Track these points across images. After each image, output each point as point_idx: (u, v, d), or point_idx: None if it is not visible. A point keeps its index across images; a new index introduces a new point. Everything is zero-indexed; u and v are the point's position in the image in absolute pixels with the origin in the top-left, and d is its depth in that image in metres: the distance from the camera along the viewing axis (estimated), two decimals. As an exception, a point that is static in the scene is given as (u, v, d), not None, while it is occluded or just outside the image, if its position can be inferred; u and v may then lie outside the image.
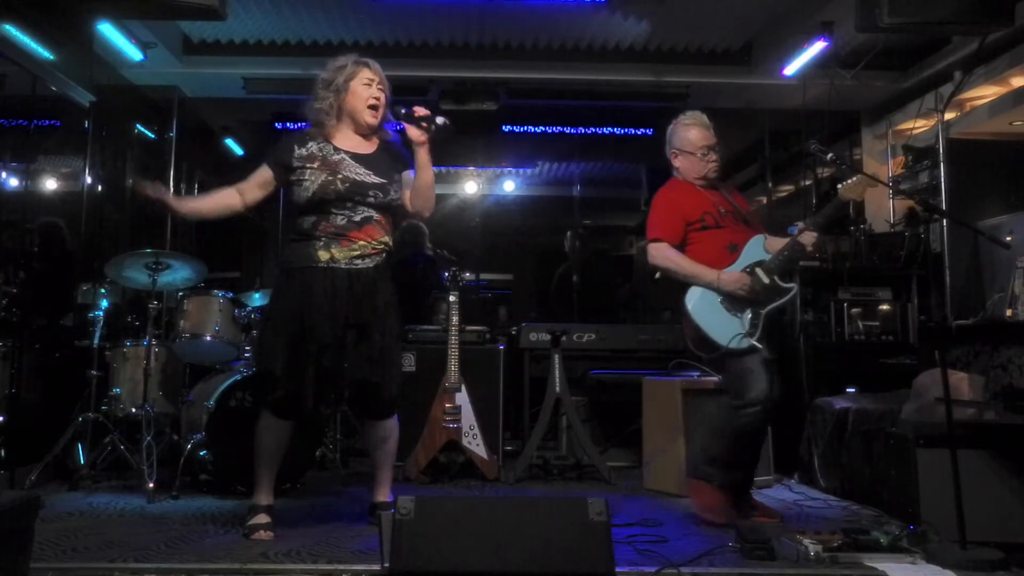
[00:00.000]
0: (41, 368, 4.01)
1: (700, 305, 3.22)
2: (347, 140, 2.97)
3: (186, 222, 5.67)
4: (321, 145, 2.92)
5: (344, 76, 2.94)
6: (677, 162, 3.46)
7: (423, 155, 2.92)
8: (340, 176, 2.86)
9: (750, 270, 3.22)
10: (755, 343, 3.13)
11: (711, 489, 3.17)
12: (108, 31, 4.42)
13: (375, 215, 2.91)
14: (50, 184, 4.56)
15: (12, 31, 3.76)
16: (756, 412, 3.12)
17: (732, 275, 3.20)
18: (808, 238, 3.22)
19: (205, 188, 5.98)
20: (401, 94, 5.37)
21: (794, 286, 3.28)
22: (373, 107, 2.95)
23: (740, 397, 3.15)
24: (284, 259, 2.97)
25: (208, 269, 3.96)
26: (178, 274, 3.91)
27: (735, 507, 3.19)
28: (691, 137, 3.42)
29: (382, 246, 2.94)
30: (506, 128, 5.93)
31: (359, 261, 2.86)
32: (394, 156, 3.02)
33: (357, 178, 2.88)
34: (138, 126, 5.39)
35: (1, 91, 4.07)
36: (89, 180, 4.63)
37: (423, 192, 2.95)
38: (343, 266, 2.84)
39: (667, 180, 3.51)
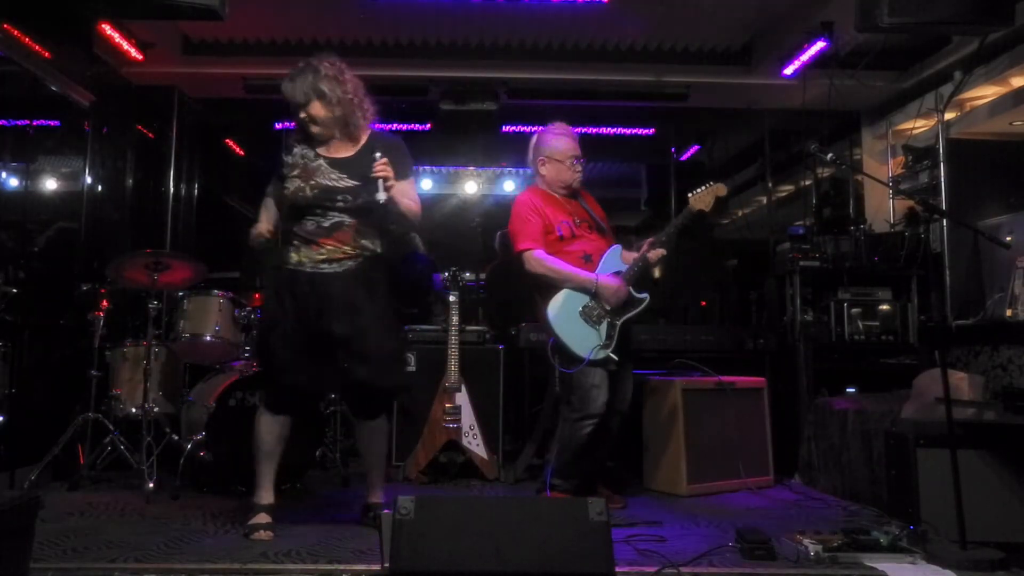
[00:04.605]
0: (41, 368, 4.00)
1: (560, 317, 3.32)
2: (329, 145, 2.94)
3: (187, 222, 5.69)
4: (304, 151, 2.92)
5: (287, 98, 2.89)
6: (544, 169, 3.57)
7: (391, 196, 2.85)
8: (311, 183, 2.86)
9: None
10: (611, 354, 3.27)
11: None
12: (108, 31, 4.42)
13: (347, 220, 2.87)
14: (50, 184, 4.55)
15: (12, 31, 3.76)
16: (591, 424, 3.28)
17: (610, 283, 3.30)
18: (655, 255, 3.35)
19: (205, 188, 5.98)
20: (401, 94, 5.44)
21: (646, 296, 3.39)
22: (306, 124, 2.90)
23: (579, 410, 3.29)
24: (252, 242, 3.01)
25: (208, 269, 3.96)
26: (178, 274, 3.91)
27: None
28: (561, 145, 3.56)
29: (357, 251, 2.88)
30: (506, 128, 5.94)
31: (325, 265, 2.85)
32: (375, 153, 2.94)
33: (328, 184, 2.86)
34: (138, 126, 5.39)
35: (1, 91, 4.07)
36: (89, 180, 4.63)
37: (397, 219, 2.94)
38: (307, 269, 2.85)
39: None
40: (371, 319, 2.85)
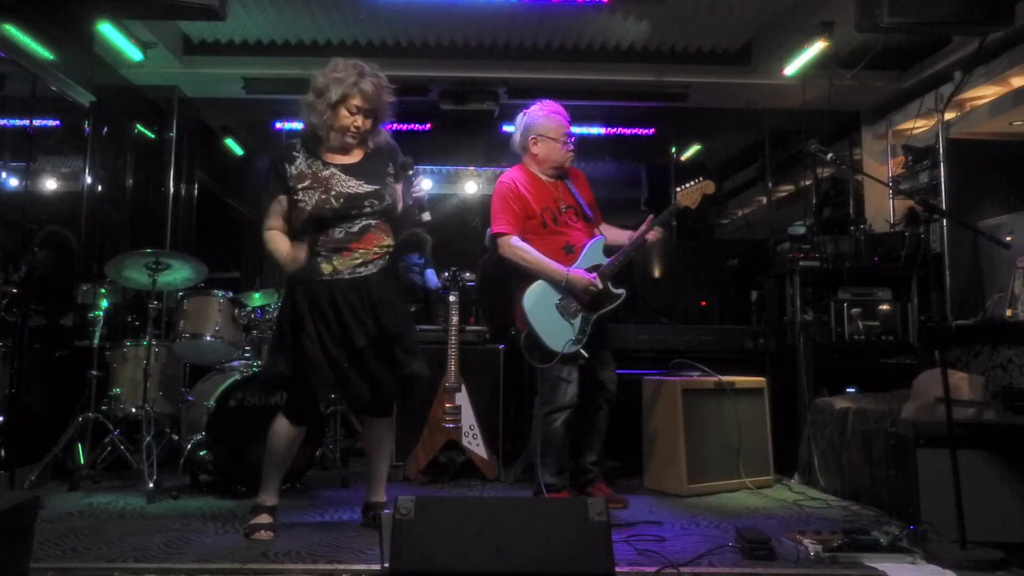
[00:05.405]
0: (41, 368, 4.00)
1: (536, 309, 3.27)
2: (334, 152, 2.92)
3: (187, 222, 5.69)
4: (310, 161, 2.88)
5: (338, 95, 2.82)
6: (536, 148, 3.47)
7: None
8: (333, 193, 2.83)
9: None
10: (582, 351, 3.23)
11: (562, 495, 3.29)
12: (108, 31, 4.42)
13: (373, 222, 2.90)
14: (50, 184, 4.55)
15: (12, 31, 3.76)
16: (563, 416, 3.28)
17: (581, 276, 3.25)
18: (653, 236, 3.34)
19: (205, 188, 5.97)
20: (401, 94, 5.41)
21: (623, 292, 3.34)
22: (353, 134, 2.89)
23: (548, 403, 3.28)
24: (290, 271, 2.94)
25: (208, 269, 3.96)
26: (178, 274, 3.91)
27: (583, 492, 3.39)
28: (555, 123, 3.46)
29: (384, 250, 2.94)
30: (506, 128, 5.93)
31: (362, 269, 2.87)
32: (382, 156, 2.98)
33: (350, 191, 2.85)
34: (138, 126, 5.39)
35: (1, 91, 4.07)
36: (89, 180, 4.63)
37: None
38: (346, 276, 2.85)
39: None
40: (407, 314, 2.99)
